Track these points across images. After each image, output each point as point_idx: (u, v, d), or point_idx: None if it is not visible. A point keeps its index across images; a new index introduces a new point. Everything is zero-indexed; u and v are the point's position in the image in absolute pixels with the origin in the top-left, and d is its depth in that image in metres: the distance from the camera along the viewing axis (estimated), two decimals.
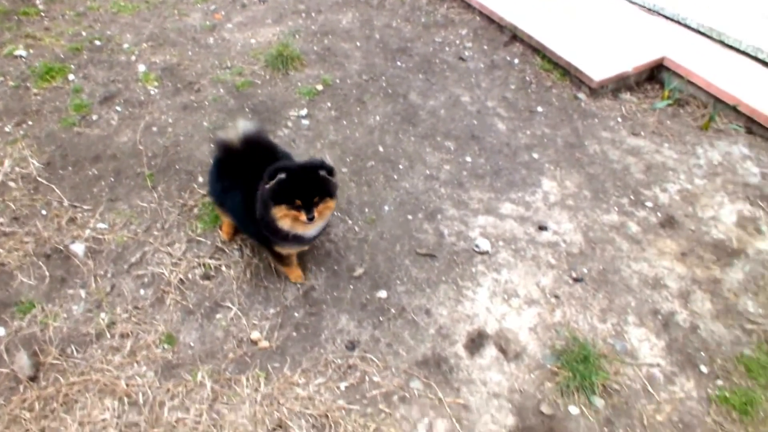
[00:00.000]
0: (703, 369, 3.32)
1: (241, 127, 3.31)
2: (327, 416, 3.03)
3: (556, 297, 3.57)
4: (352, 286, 3.58)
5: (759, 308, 3.62)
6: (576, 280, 3.65)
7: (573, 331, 3.40)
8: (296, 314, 3.44)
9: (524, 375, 3.23)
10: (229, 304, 3.47)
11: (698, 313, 3.57)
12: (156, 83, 5.05)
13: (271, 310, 3.46)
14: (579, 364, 3.19)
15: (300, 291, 3.53)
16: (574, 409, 3.11)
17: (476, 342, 3.36)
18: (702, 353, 3.39)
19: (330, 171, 3.00)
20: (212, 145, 3.56)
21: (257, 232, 3.25)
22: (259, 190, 3.03)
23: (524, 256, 3.78)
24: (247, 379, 3.17)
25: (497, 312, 3.48)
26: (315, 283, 3.59)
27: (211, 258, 3.70)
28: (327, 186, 3.01)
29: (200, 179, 4.13)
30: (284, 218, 3.02)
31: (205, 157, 4.24)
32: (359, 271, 3.65)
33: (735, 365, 3.35)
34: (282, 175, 2.92)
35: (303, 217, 2.99)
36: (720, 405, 3.19)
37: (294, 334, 3.36)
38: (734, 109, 4.69)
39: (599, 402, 3.14)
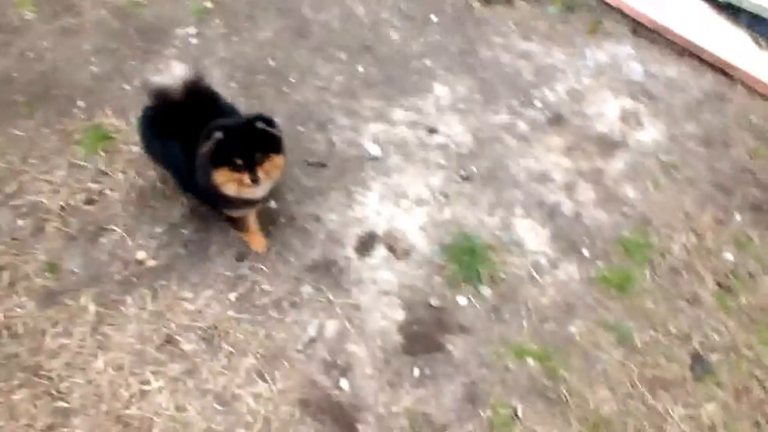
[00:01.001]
0: (585, 253, 3.43)
1: (177, 73, 2.99)
2: (216, 327, 3.03)
3: (446, 196, 3.62)
4: None
5: (638, 194, 3.75)
6: (465, 178, 3.70)
7: (461, 227, 3.46)
8: (184, 231, 3.40)
9: (413, 271, 3.28)
10: (114, 227, 3.40)
11: (582, 202, 3.68)
12: (33, 8, 4.79)
13: (158, 230, 3.40)
14: (465, 256, 3.25)
15: (187, 208, 3.45)
16: (462, 300, 3.19)
17: (366, 244, 3.39)
18: (584, 238, 3.51)
19: (269, 122, 2.72)
20: (145, 92, 3.20)
21: (202, 194, 3.07)
22: (197, 154, 2.74)
23: (414, 159, 3.81)
24: (133, 299, 3.12)
25: (387, 214, 3.51)
26: None
27: (93, 182, 3.60)
28: (269, 140, 2.74)
29: (81, 104, 3.98)
30: (228, 183, 2.74)
31: (86, 82, 4.08)
32: None
33: (614, 247, 3.48)
34: (218, 134, 2.62)
35: (246, 178, 2.70)
36: (600, 284, 3.32)
37: (182, 251, 3.32)
38: (620, 12, 4.77)
39: (486, 291, 3.22)
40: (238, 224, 3.25)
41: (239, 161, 2.65)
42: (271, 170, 2.79)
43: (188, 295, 3.17)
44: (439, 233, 3.45)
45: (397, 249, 3.36)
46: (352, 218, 3.50)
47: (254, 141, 2.69)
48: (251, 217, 3.23)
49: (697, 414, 2.97)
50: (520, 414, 2.90)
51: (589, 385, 3.00)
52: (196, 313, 3.09)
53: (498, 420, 2.85)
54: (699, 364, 3.10)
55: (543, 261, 3.41)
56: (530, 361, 3.04)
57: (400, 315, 3.13)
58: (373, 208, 3.56)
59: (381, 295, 3.19)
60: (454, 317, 3.15)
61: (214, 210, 3.22)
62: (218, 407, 2.82)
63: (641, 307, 3.30)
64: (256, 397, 2.83)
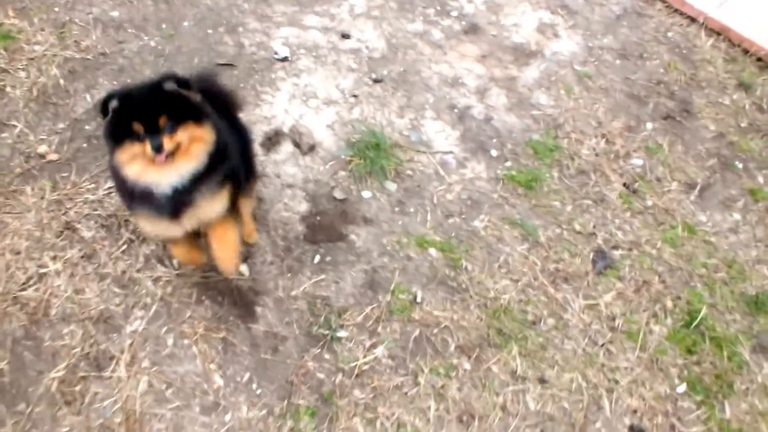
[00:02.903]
0: (494, 153, 3.57)
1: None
2: (116, 216, 3.06)
3: (355, 96, 3.71)
4: None
5: (550, 100, 3.90)
6: (376, 81, 3.80)
7: (370, 126, 3.56)
8: (87, 127, 3.43)
9: (318, 167, 3.38)
10: (15, 123, 3.40)
11: (493, 106, 3.82)
12: None
13: (61, 125, 3.42)
14: (371, 152, 3.35)
15: (91, 103, 3.48)
16: (366, 193, 3.30)
17: (272, 140, 3.47)
18: (494, 140, 3.65)
19: (184, 83, 2.23)
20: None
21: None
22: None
23: (325, 62, 3.89)
24: (33, 189, 3.14)
25: (295, 113, 3.59)
26: None
27: None
28: (183, 104, 2.23)
29: None
30: (131, 161, 2.24)
31: None
32: None
33: (523, 149, 3.63)
34: (114, 102, 2.18)
35: (147, 147, 2.15)
36: (507, 183, 3.46)
37: (85, 145, 3.35)
38: None
39: (391, 186, 3.33)
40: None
41: (138, 126, 2.17)
42: (191, 146, 2.24)
43: (89, 186, 3.20)
44: (347, 131, 3.55)
45: (302, 145, 3.45)
46: (259, 116, 3.58)
47: (159, 101, 2.21)
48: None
49: (597, 304, 3.12)
50: (419, 299, 2.98)
51: (490, 275, 3.15)
52: (96, 203, 3.14)
53: (397, 305, 2.97)
54: (601, 259, 3.27)
55: (450, 160, 3.54)
56: (432, 251, 3.17)
57: (303, 207, 3.23)
58: (282, 107, 3.63)
59: (285, 187, 3.29)
60: (358, 209, 3.26)
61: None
62: (116, 290, 2.88)
63: (547, 206, 3.45)
64: (155, 280, 2.90)
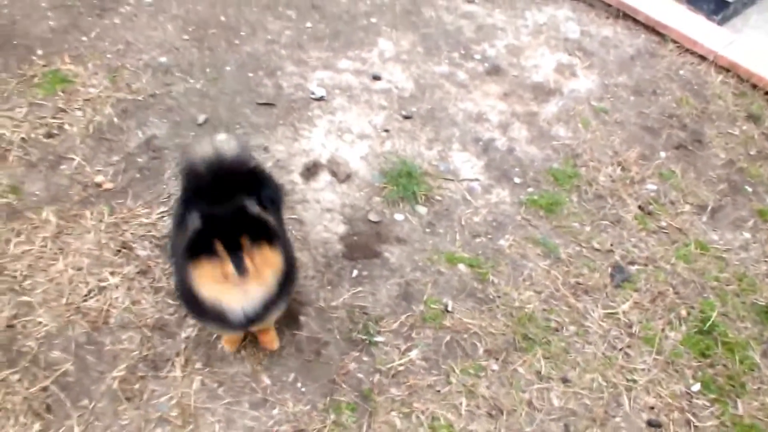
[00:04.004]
0: (517, 180, 3.95)
1: (216, 146, 2.62)
2: (168, 237, 3.44)
3: (387, 131, 4.12)
4: (193, 133, 4.00)
5: (568, 133, 4.29)
6: (406, 117, 4.21)
7: (401, 156, 3.95)
8: (139, 160, 3.83)
9: (354, 193, 3.77)
10: (73, 156, 3.80)
11: (515, 138, 4.21)
12: None
13: (115, 158, 3.82)
14: (403, 179, 3.74)
15: (143, 139, 3.91)
16: (399, 216, 3.67)
17: (311, 170, 3.86)
18: (516, 169, 4.02)
19: (262, 202, 2.37)
20: (179, 168, 2.96)
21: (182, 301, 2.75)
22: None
23: (358, 101, 4.31)
24: (92, 213, 3.51)
25: (331, 146, 4.00)
26: (157, 132, 3.97)
27: (53, 119, 4.02)
28: (259, 226, 2.34)
29: (39, 52, 4.41)
30: (207, 279, 2.34)
31: (44, 35, 4.50)
32: (201, 118, 4.07)
33: (544, 176, 3.99)
34: (197, 221, 2.28)
35: (230, 267, 2.25)
36: (529, 206, 3.82)
37: (137, 176, 3.74)
38: None
39: (422, 209, 3.71)
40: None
41: (220, 245, 2.25)
42: (260, 268, 2.31)
43: (143, 211, 3.58)
44: (380, 161, 3.94)
45: (339, 174, 3.84)
46: (298, 149, 3.98)
47: (243, 225, 2.29)
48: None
49: (615, 313, 3.44)
50: (450, 308, 3.33)
51: (515, 288, 3.48)
52: (150, 225, 3.51)
53: (429, 313, 3.31)
54: (619, 273, 3.59)
55: (476, 186, 3.91)
56: (461, 267, 3.52)
57: (341, 228, 3.60)
58: (318, 141, 4.03)
59: (324, 212, 3.66)
60: (392, 230, 3.62)
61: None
62: (170, 302, 3.21)
63: (567, 227, 3.78)
64: None
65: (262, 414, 2.91)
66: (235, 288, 2.30)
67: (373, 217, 3.57)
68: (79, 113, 3.99)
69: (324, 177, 3.76)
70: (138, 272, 3.28)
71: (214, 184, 2.45)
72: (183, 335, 3.08)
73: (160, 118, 4.02)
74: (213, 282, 2.29)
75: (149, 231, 3.44)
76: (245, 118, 4.06)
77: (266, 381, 2.98)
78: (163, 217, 3.52)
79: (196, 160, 2.56)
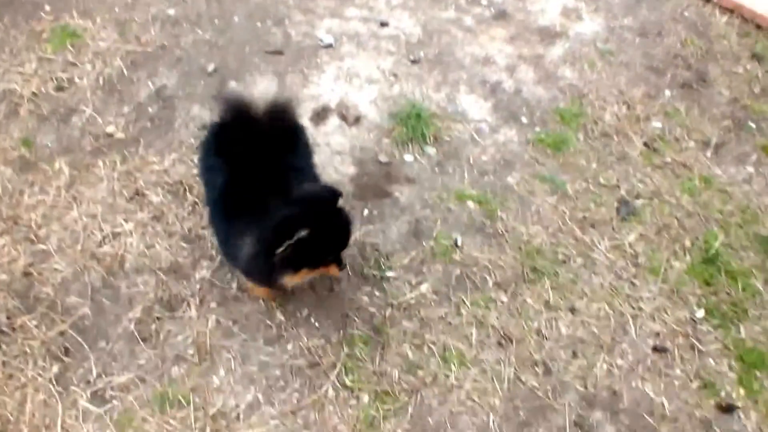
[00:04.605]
0: (524, 120, 3.92)
1: (265, 91, 2.56)
2: (182, 183, 3.44)
3: (395, 75, 4.09)
4: (203, 82, 3.99)
5: (575, 74, 4.26)
6: (413, 62, 4.17)
7: (409, 99, 3.92)
8: (150, 109, 3.82)
9: (364, 135, 3.75)
10: (84, 108, 3.80)
11: (522, 80, 4.18)
12: None
13: (126, 109, 3.82)
14: (412, 121, 3.72)
15: (153, 89, 3.89)
16: (408, 157, 3.66)
17: (320, 115, 3.85)
18: (524, 109, 4.00)
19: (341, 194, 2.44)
20: (217, 104, 2.96)
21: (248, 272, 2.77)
22: (258, 242, 2.35)
23: (366, 47, 4.27)
24: (104, 163, 3.52)
25: (340, 91, 3.97)
26: (167, 82, 3.96)
27: (63, 72, 4.01)
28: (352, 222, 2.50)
29: (47, 8, 4.38)
30: (302, 277, 2.50)
31: None
32: (210, 67, 4.04)
33: (551, 116, 3.96)
34: (303, 233, 2.21)
35: (334, 270, 2.56)
36: (537, 145, 3.80)
37: (148, 125, 3.74)
38: None
39: (431, 150, 3.69)
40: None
41: (330, 265, 2.47)
42: None
43: (155, 159, 3.59)
44: (388, 105, 3.91)
45: (348, 118, 3.82)
46: (307, 95, 3.96)
47: (342, 232, 2.44)
48: None
49: (621, 245, 3.43)
50: (459, 243, 3.32)
51: (523, 222, 3.47)
52: (162, 173, 3.52)
53: (440, 248, 3.31)
54: (625, 207, 3.58)
55: (484, 127, 3.89)
56: (470, 203, 3.51)
57: (351, 170, 3.59)
58: (327, 87, 4.01)
59: (334, 154, 3.65)
60: (401, 171, 3.61)
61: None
62: (184, 245, 3.24)
63: (574, 164, 3.77)
64: None
65: (277, 349, 2.92)
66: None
67: (382, 158, 3.56)
68: (88, 66, 3.98)
69: (333, 121, 3.75)
70: (151, 218, 3.30)
71: (264, 126, 2.51)
72: (197, 276, 3.10)
73: (170, 69, 4.00)
74: (307, 275, 2.50)
75: (162, 178, 3.44)
76: (254, 67, 4.04)
77: (280, 317, 2.98)
78: (174, 165, 3.44)
79: (251, 99, 2.52)
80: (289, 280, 2.46)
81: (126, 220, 3.29)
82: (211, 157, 2.67)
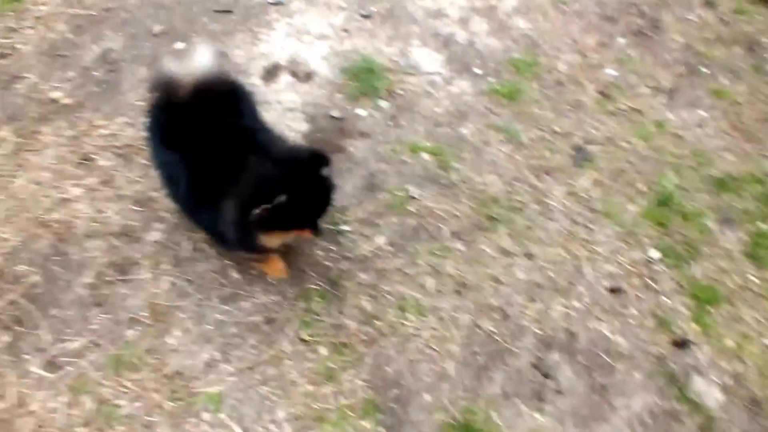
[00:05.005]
0: (478, 72, 3.85)
1: (198, 62, 2.42)
2: (130, 146, 3.33)
3: (346, 31, 3.98)
4: (150, 44, 3.85)
5: (528, 24, 4.19)
6: (365, 17, 4.06)
7: (361, 54, 3.81)
8: (96, 73, 3.68)
9: (316, 91, 3.66)
10: (27, 74, 3.65)
11: (475, 32, 4.09)
12: None
13: (71, 73, 3.68)
14: (364, 75, 3.63)
15: (98, 52, 3.75)
16: (361, 111, 3.57)
17: (271, 72, 3.74)
18: (477, 61, 3.92)
19: (328, 161, 2.28)
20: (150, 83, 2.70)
21: (227, 241, 2.64)
22: (234, 209, 2.26)
23: (316, 3, 4.16)
24: (51, 129, 3.40)
25: (291, 48, 3.86)
26: (113, 45, 3.82)
27: (4, 39, 3.84)
28: (332, 189, 2.34)
29: None
30: (277, 239, 2.43)
31: None
32: (157, 29, 3.90)
33: (505, 66, 3.89)
34: (282, 198, 2.12)
35: (309, 234, 2.42)
36: (491, 95, 3.74)
37: (95, 89, 3.61)
38: None
39: (384, 104, 3.61)
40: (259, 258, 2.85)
41: (309, 230, 2.37)
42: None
43: (103, 123, 3.46)
44: (340, 60, 3.81)
45: (299, 74, 3.72)
46: (257, 53, 3.84)
47: (325, 197, 2.32)
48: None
49: (576, 190, 3.39)
50: (415, 195, 3.25)
51: (478, 172, 3.41)
52: (110, 137, 3.40)
53: (395, 201, 3.24)
54: (579, 154, 3.53)
55: (438, 79, 3.81)
56: (425, 155, 3.44)
57: (303, 126, 3.50)
58: (278, 44, 3.90)
59: (286, 111, 3.55)
60: (354, 125, 3.53)
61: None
62: (135, 208, 3.14)
63: (528, 113, 3.71)
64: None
65: (233, 307, 2.87)
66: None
67: (335, 113, 3.48)
68: (30, 32, 3.83)
69: (285, 78, 3.65)
70: (101, 182, 3.21)
71: (201, 106, 2.36)
72: (150, 239, 3.03)
73: (115, 32, 3.87)
74: (282, 238, 2.42)
75: (110, 142, 3.34)
76: (202, 27, 3.91)
77: (235, 276, 2.92)
78: (123, 129, 3.33)
79: (176, 78, 2.37)
80: (265, 242, 2.38)
81: (75, 186, 3.18)
82: (163, 152, 2.57)
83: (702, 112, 3.79)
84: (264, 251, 2.61)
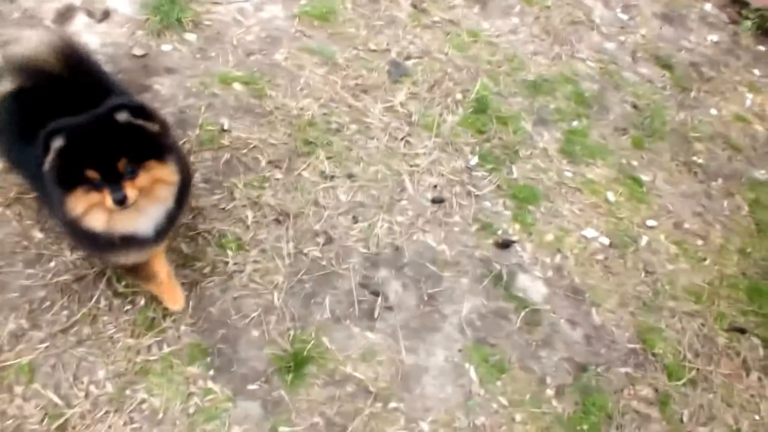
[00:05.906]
0: None
1: (37, 39, 2.05)
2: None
3: None
4: None
5: None
6: None
7: None
8: None
9: (115, 30, 3.31)
10: None
11: None
12: None
13: None
14: (165, 7, 3.28)
15: None
16: (166, 47, 3.26)
17: (65, 15, 3.35)
18: None
19: (139, 111, 1.83)
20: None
21: (69, 233, 2.19)
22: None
23: None
24: None
25: None
26: None
27: None
28: (142, 140, 1.81)
29: None
30: (90, 211, 1.84)
31: None
32: None
33: None
34: (59, 142, 1.72)
35: (108, 200, 1.79)
36: (303, 18, 3.53)
37: None
38: None
39: (191, 36, 3.31)
40: (138, 273, 2.36)
41: (94, 173, 1.77)
42: (154, 187, 1.88)
43: None
44: None
45: (95, 13, 3.34)
46: None
47: (115, 140, 1.77)
48: (158, 263, 2.32)
49: (394, 106, 3.24)
50: (227, 128, 2.99)
51: (293, 98, 3.20)
52: None
53: (206, 136, 2.99)
54: (396, 69, 3.38)
55: (247, 6, 3.55)
56: (237, 86, 3.19)
57: (105, 68, 3.13)
58: None
59: None
60: (160, 62, 3.22)
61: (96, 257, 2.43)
62: None
63: (343, 33, 3.52)
64: None
65: (39, 270, 2.59)
66: (126, 212, 1.84)
67: (137, 51, 3.18)
68: None
69: (81, 20, 3.30)
70: None
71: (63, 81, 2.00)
72: None
73: None
74: (97, 211, 1.85)
75: None
76: None
77: (39, 235, 2.59)
78: None
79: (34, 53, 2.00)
80: (76, 209, 1.84)
81: None
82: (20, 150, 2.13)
83: (514, 19, 3.75)
84: (97, 244, 2.07)
